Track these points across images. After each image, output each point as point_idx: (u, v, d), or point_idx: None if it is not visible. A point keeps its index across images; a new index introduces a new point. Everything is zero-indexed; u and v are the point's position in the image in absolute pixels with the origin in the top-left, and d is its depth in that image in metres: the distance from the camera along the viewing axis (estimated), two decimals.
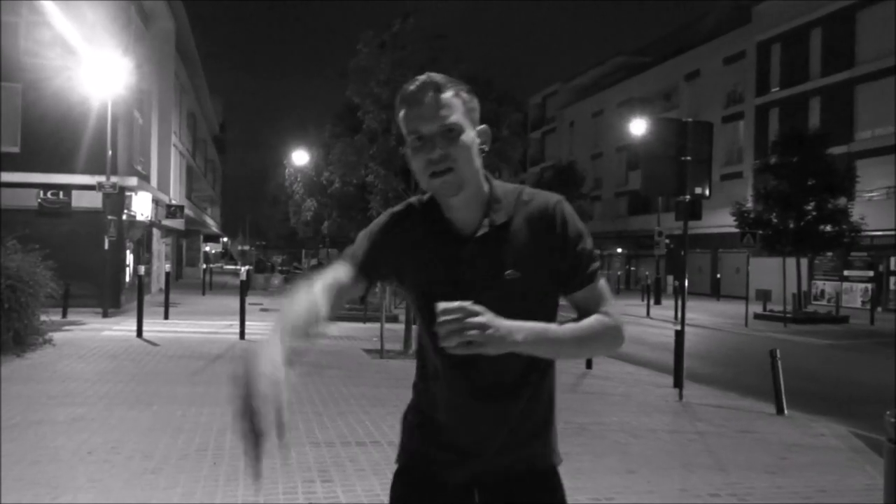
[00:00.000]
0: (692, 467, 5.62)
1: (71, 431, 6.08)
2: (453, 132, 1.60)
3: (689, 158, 8.76)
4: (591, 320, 1.66)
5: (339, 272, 1.69)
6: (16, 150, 18.39)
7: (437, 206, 1.71)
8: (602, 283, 1.72)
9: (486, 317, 1.46)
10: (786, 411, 8.08)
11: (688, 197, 8.81)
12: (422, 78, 1.65)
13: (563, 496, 1.76)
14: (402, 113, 1.65)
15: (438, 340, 1.46)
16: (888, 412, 2.54)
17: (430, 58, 11.50)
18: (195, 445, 5.71)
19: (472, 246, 1.66)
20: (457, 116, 1.61)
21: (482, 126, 1.69)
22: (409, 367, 10.30)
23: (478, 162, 1.66)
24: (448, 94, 1.62)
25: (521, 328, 1.53)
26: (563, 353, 1.66)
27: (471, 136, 1.63)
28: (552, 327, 1.61)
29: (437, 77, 1.64)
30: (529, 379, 1.69)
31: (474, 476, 1.70)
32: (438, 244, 1.68)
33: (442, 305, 1.46)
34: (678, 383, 9.14)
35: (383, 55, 11.64)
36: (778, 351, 8.42)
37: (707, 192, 8.91)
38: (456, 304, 1.46)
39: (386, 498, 1.78)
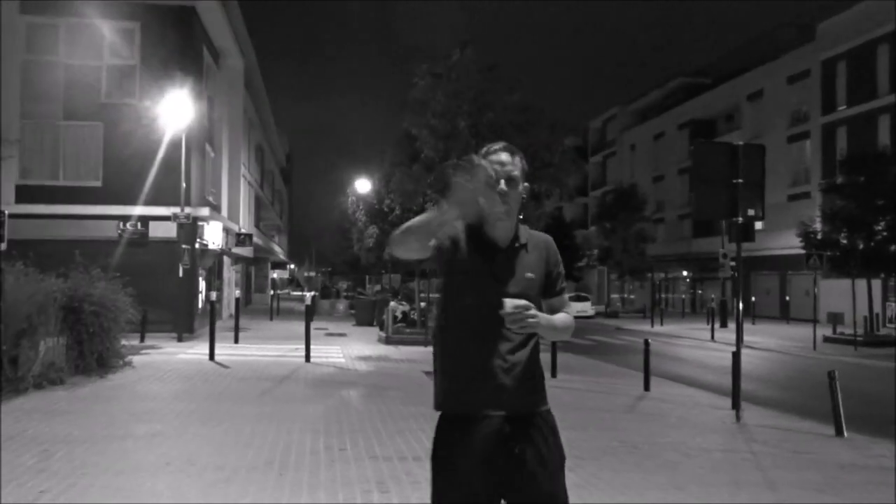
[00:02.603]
0: (741, 485, 5.71)
1: (150, 445, 6.56)
2: (516, 181, 2.54)
3: (740, 181, 8.86)
4: (562, 315, 2.59)
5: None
6: (98, 184, 19.55)
7: (481, 229, 2.55)
8: (566, 295, 2.67)
9: (535, 310, 2.35)
10: (845, 433, 8.00)
11: (740, 219, 8.88)
12: (502, 143, 2.59)
13: (555, 424, 2.53)
14: (488, 159, 2.47)
15: (502, 318, 2.32)
16: None
17: (483, 89, 11.87)
18: (263, 459, 6.10)
19: (506, 253, 2.54)
20: (518, 172, 2.54)
21: (525, 184, 2.59)
22: None
23: (518, 205, 2.55)
24: (518, 158, 2.57)
25: (545, 318, 2.43)
26: (554, 335, 2.57)
27: (522, 188, 2.57)
28: (552, 317, 2.52)
29: (512, 147, 2.58)
30: (528, 344, 2.50)
31: (502, 409, 2.41)
32: (484, 249, 2.52)
33: (511, 302, 2.32)
34: (735, 405, 9.14)
35: (438, 87, 12.07)
36: (836, 372, 8.37)
37: (760, 214, 8.96)
38: (522, 301, 2.34)
39: None
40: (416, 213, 11.79)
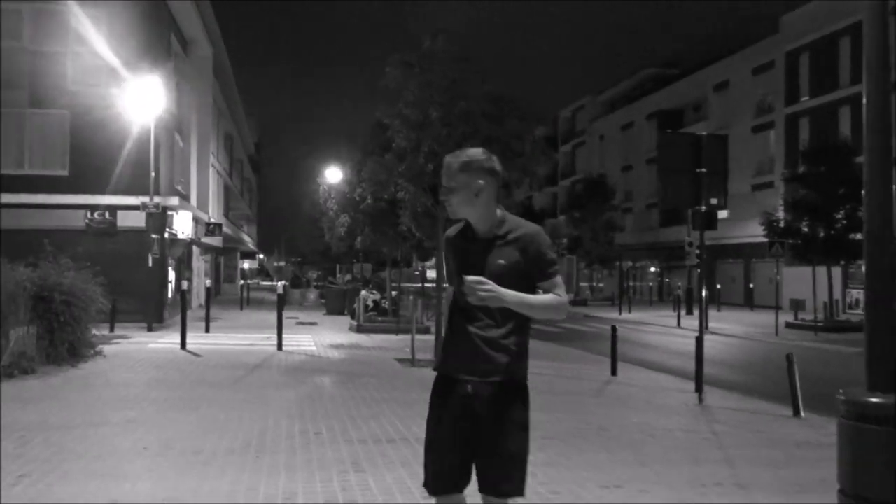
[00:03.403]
0: (701, 462, 5.97)
1: (126, 431, 6.64)
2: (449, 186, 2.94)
3: (704, 170, 9.13)
4: (550, 296, 2.88)
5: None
6: (64, 173, 19.32)
7: (469, 224, 3.00)
8: (558, 277, 2.92)
9: (490, 285, 2.72)
10: (802, 413, 8.34)
11: (703, 207, 9.15)
12: (454, 154, 2.99)
13: (528, 403, 2.91)
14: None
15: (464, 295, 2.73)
16: (840, 391, 2.92)
17: (455, 79, 11.97)
18: (240, 442, 6.23)
19: (484, 243, 2.93)
20: (450, 174, 2.93)
21: (481, 181, 2.91)
22: None
23: (482, 198, 2.91)
24: (454, 165, 2.93)
25: (508, 293, 2.76)
26: (533, 312, 2.86)
27: (477, 185, 2.91)
28: (527, 296, 2.83)
29: (454, 155, 2.97)
30: (508, 323, 2.85)
31: (472, 375, 2.82)
32: (468, 242, 2.98)
33: (468, 278, 2.72)
34: (698, 388, 9.45)
35: (410, 76, 12.14)
36: (794, 355, 8.71)
37: (723, 202, 9.25)
38: (478, 277, 2.72)
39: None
40: (388, 202, 11.85)
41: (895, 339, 2.85)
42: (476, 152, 2.95)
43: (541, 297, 2.85)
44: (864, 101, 2.95)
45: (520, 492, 2.85)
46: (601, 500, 4.79)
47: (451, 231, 3.08)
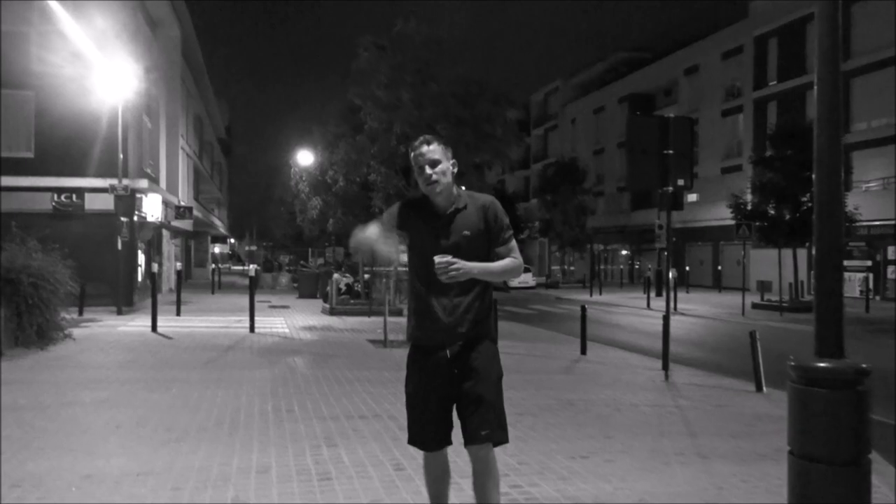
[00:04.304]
0: (665, 433, 6.15)
1: (99, 411, 6.65)
2: (435, 163, 3.20)
3: (671, 152, 9.29)
4: (508, 260, 3.20)
5: (384, 227, 3.25)
6: (30, 155, 19.00)
7: (427, 198, 3.24)
8: (513, 241, 3.25)
9: (460, 263, 3.00)
10: (764, 389, 8.58)
11: (670, 188, 9.32)
12: (422, 138, 3.25)
13: (497, 356, 3.24)
14: (412, 155, 3.22)
15: (434, 271, 2.99)
16: (790, 357, 3.06)
17: (427, 61, 12.02)
18: (213, 420, 6.28)
19: (446, 218, 3.19)
20: (438, 156, 3.21)
21: (453, 160, 3.26)
22: None
23: (450, 178, 3.21)
24: (434, 145, 3.22)
25: (475, 266, 3.07)
26: (494, 277, 3.16)
27: (445, 165, 3.21)
28: (488, 264, 3.15)
29: (430, 137, 3.27)
30: (473, 289, 3.15)
31: (447, 340, 3.13)
32: (428, 217, 3.21)
33: (437, 258, 2.97)
34: (665, 365, 9.66)
35: (382, 59, 12.17)
36: (757, 332, 8.95)
37: (689, 183, 9.42)
38: (447, 257, 2.98)
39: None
40: (360, 185, 11.95)
41: (841, 308, 3.00)
42: (429, 143, 3.23)
43: (501, 263, 3.17)
44: (816, 77, 3.07)
45: (499, 438, 3.11)
46: (568, 470, 4.93)
47: (405, 209, 3.26)
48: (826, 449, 2.83)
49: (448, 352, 3.13)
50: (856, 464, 2.82)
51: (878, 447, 5.27)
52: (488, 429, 3.08)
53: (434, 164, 3.19)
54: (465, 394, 3.11)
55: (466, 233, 3.14)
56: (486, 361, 3.17)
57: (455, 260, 2.98)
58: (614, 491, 4.51)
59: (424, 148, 3.23)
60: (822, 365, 2.90)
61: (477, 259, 3.10)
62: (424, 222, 3.20)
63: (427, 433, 3.21)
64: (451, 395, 3.15)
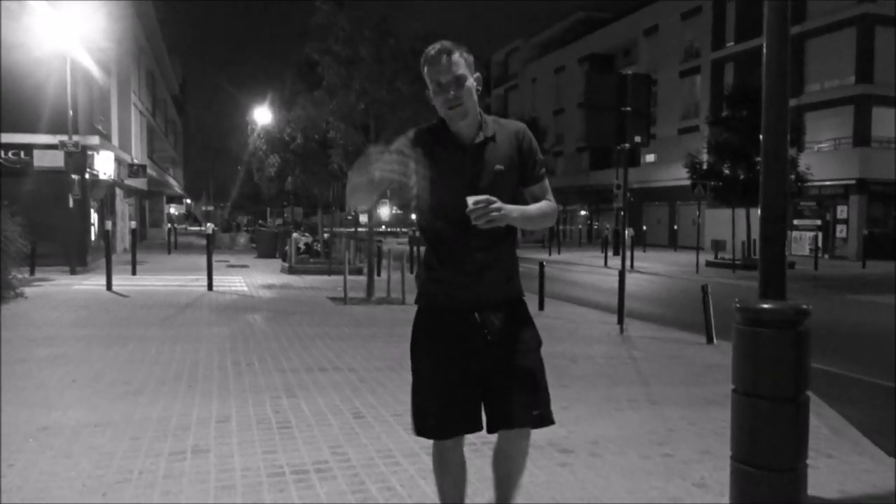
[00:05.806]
0: (619, 383, 6.33)
1: (54, 366, 6.58)
2: (461, 80, 2.47)
3: (629, 109, 9.37)
4: (542, 204, 2.60)
5: (397, 155, 2.47)
6: None
7: (445, 126, 2.55)
8: (546, 181, 2.65)
9: (498, 203, 2.33)
10: (715, 341, 8.86)
11: (627, 145, 9.43)
12: (438, 45, 2.49)
13: (529, 313, 2.69)
14: (425, 70, 2.51)
15: (467, 214, 2.31)
16: (736, 299, 3.18)
17: (385, 17, 11.84)
18: (171, 374, 6.27)
19: (473, 149, 2.52)
20: (463, 70, 2.47)
21: (477, 74, 2.55)
22: (372, 312, 10.93)
23: (476, 98, 2.52)
24: (456, 56, 2.47)
25: (515, 209, 2.43)
26: (533, 224, 2.58)
27: (471, 82, 2.50)
28: (525, 207, 2.53)
29: (448, 43, 2.50)
30: (506, 239, 2.59)
31: (477, 301, 2.54)
32: (450, 149, 2.52)
33: (472, 198, 2.31)
34: (620, 319, 9.88)
35: (341, 12, 11.95)
36: (709, 287, 9.20)
37: (645, 141, 9.53)
38: (483, 196, 2.32)
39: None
40: (319, 142, 11.80)
41: (783, 253, 3.11)
42: (449, 53, 2.47)
43: (538, 206, 2.57)
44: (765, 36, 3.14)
45: (551, 419, 2.60)
46: None
47: (420, 137, 2.55)
48: (767, 385, 2.96)
49: (478, 315, 2.53)
50: (794, 399, 2.95)
51: (817, 391, 5.51)
52: (539, 409, 2.55)
53: (459, 81, 2.46)
54: (506, 367, 2.53)
55: (500, 167, 2.50)
56: (524, 326, 2.61)
57: (494, 199, 2.32)
58: (568, 434, 4.66)
59: (444, 59, 2.45)
60: (765, 306, 3.02)
61: (505, 200, 2.41)
62: (447, 154, 2.50)
63: (450, 417, 2.53)
64: (482, 369, 2.53)
